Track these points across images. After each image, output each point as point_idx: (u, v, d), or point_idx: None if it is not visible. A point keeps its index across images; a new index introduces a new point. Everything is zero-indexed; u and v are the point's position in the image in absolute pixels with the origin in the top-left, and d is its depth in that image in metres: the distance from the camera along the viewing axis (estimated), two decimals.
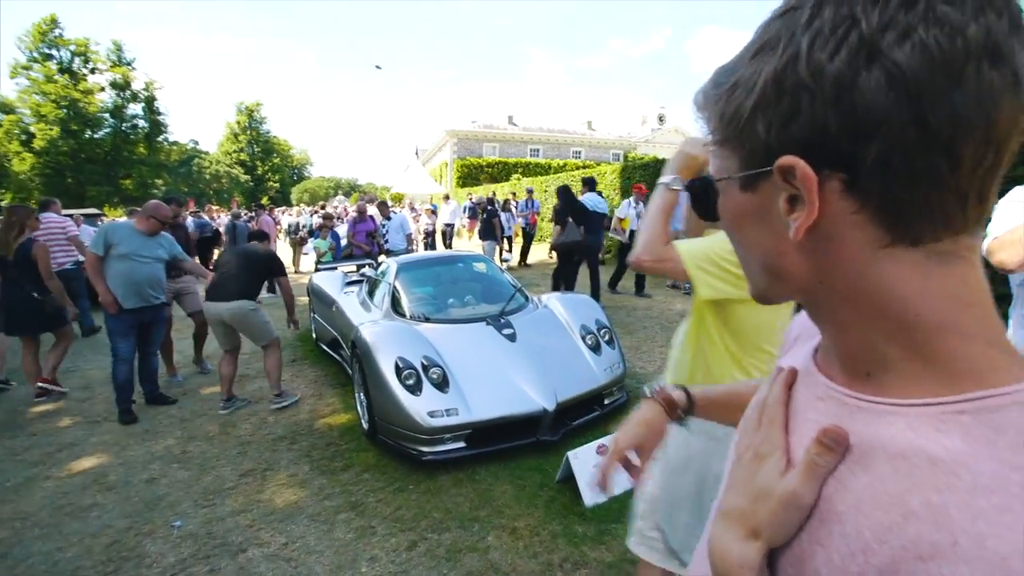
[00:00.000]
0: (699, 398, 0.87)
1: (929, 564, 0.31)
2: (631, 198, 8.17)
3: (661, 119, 40.37)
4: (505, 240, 11.24)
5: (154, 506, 2.85)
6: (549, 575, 2.23)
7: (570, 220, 6.94)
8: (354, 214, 8.71)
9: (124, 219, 3.96)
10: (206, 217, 12.12)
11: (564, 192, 7.10)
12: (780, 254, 0.41)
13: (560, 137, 35.56)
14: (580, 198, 7.32)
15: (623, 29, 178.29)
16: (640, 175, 10.82)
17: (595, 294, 6.98)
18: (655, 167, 10.35)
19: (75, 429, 3.86)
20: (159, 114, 41.62)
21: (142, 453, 3.46)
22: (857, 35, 0.32)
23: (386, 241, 8.20)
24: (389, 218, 8.42)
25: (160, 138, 42.81)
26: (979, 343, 0.36)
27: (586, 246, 7.03)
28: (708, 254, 1.33)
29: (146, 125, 40.93)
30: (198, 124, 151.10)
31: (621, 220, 7.88)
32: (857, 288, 0.38)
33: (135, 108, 40.27)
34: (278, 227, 15.34)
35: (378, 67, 61.68)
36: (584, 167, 20.91)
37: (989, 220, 0.36)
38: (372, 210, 9.73)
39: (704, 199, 0.49)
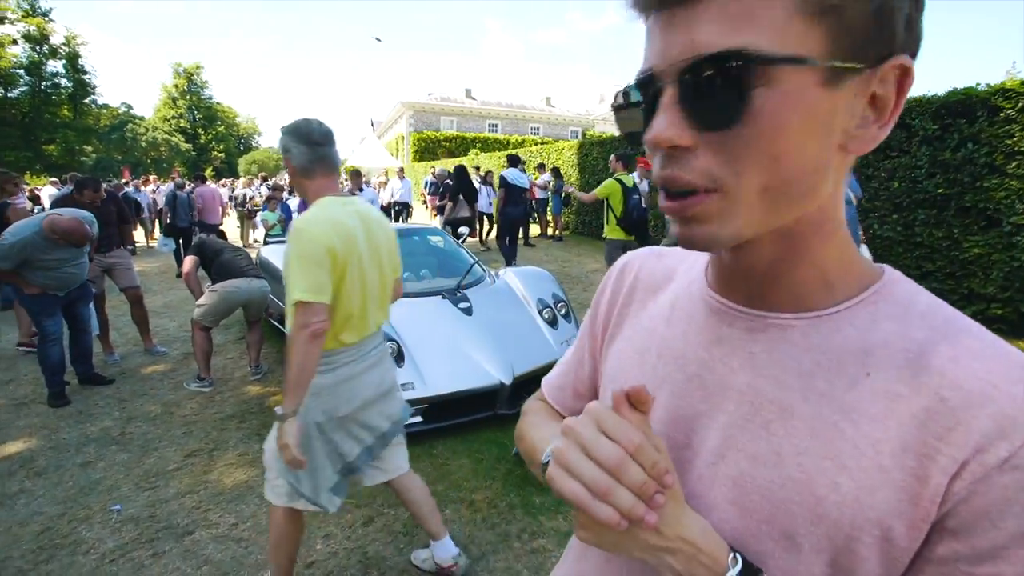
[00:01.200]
0: None
1: (951, 435, 0.35)
2: (635, 172, 7.87)
3: None
4: (485, 218, 10.33)
5: (90, 491, 2.70)
6: (507, 545, 2.27)
7: (461, 198, 7.75)
8: None
9: (35, 226, 3.46)
10: (134, 189, 11.37)
11: (459, 171, 7.90)
12: (819, 168, 0.37)
13: (519, 113, 35.17)
14: (503, 172, 8.04)
15: (581, 3, 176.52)
16: (598, 152, 10.87)
17: (510, 261, 7.56)
18: (611, 144, 10.41)
19: None
20: (84, 73, 38.23)
21: (76, 436, 3.25)
22: None
23: None
24: (362, 189, 8.15)
25: (87, 100, 39.49)
26: (855, 249, 0.43)
27: (510, 217, 7.79)
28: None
29: (70, 85, 37.58)
30: (132, 87, 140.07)
31: None
32: (836, 205, 0.41)
33: (55, 65, 36.78)
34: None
35: (378, 39, 58.57)
36: (543, 143, 20.83)
37: None
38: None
39: (716, 93, 0.34)
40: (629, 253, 0.64)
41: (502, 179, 7.92)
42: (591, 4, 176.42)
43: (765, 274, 0.43)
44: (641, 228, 5.21)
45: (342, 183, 7.97)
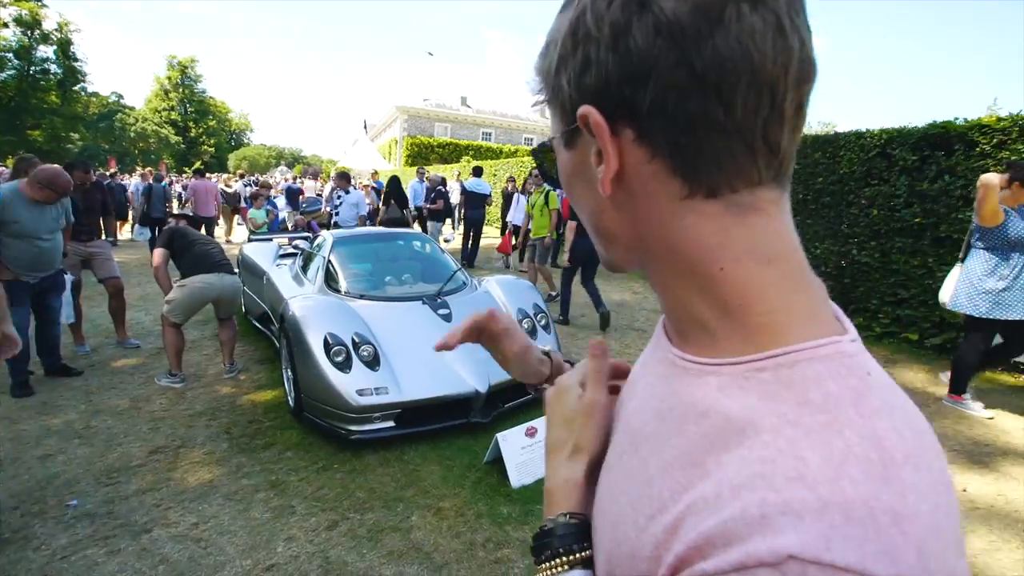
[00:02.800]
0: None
1: (695, 517, 0.32)
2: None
3: None
4: (513, 234, 8.96)
5: (47, 484, 2.62)
6: (471, 554, 2.25)
7: (392, 202, 8.94)
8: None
9: (12, 185, 3.50)
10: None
11: (392, 180, 9.39)
12: (601, 212, 0.41)
13: (513, 123, 35.37)
14: (466, 182, 9.34)
15: None
16: None
17: (471, 260, 8.59)
18: None
19: None
20: (75, 60, 37.80)
21: (36, 428, 3.17)
22: None
23: (336, 214, 7.95)
24: (347, 191, 8.09)
25: (77, 87, 38.97)
26: (779, 300, 0.36)
27: (471, 219, 9.08)
28: None
29: (59, 71, 37.09)
30: (123, 77, 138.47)
31: None
32: (667, 243, 0.38)
33: (46, 51, 36.35)
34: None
35: (430, 54, 59.78)
36: None
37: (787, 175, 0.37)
38: (309, 183, 9.58)
39: (544, 164, 0.48)
40: None
41: (462, 187, 9.02)
42: None
43: (664, 307, 0.44)
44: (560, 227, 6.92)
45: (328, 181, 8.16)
